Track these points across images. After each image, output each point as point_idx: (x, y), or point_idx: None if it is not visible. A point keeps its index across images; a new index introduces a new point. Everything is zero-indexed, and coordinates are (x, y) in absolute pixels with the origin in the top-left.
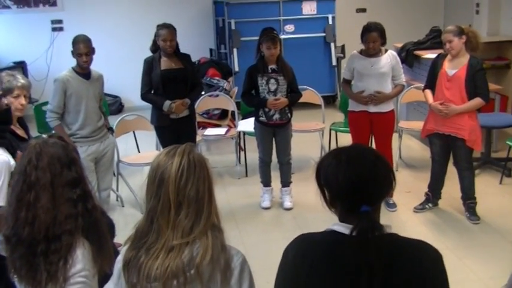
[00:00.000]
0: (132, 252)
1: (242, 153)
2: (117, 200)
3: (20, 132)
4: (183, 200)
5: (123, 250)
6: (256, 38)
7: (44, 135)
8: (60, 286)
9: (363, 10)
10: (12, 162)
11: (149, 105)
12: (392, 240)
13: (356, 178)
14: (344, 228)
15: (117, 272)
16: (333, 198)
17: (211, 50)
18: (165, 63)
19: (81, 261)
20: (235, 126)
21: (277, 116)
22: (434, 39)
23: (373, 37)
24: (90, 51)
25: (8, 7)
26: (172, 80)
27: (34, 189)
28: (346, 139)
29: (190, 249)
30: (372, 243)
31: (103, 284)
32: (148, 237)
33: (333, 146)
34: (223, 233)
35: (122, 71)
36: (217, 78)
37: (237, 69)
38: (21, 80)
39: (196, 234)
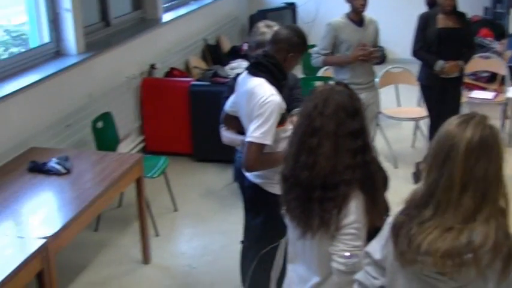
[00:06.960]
0: (404, 218)
1: (508, 121)
2: None
3: None
4: (469, 181)
5: (395, 213)
6: None
7: (331, 82)
8: (331, 234)
9: None
10: (284, 104)
11: (413, 60)
12: None
13: None
14: None
15: (385, 234)
16: None
17: (486, 8)
18: (442, 21)
19: (354, 212)
20: (505, 91)
21: None
22: None
23: None
24: None
25: None
26: (448, 39)
27: (317, 136)
28: None
29: (469, 233)
30: None
31: (371, 237)
32: (423, 211)
33: None
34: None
35: (389, 21)
36: (489, 38)
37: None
38: None
39: (479, 220)
